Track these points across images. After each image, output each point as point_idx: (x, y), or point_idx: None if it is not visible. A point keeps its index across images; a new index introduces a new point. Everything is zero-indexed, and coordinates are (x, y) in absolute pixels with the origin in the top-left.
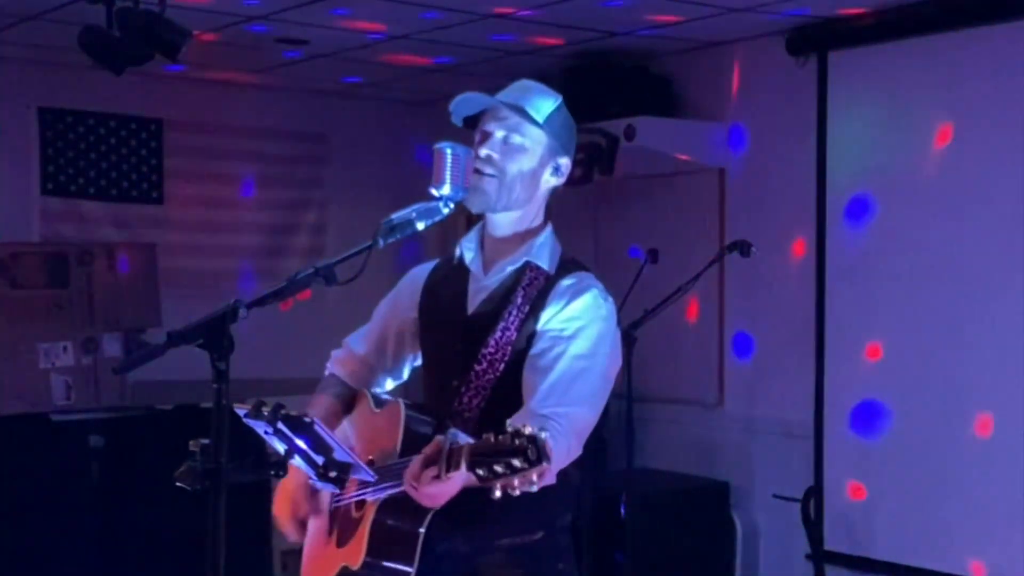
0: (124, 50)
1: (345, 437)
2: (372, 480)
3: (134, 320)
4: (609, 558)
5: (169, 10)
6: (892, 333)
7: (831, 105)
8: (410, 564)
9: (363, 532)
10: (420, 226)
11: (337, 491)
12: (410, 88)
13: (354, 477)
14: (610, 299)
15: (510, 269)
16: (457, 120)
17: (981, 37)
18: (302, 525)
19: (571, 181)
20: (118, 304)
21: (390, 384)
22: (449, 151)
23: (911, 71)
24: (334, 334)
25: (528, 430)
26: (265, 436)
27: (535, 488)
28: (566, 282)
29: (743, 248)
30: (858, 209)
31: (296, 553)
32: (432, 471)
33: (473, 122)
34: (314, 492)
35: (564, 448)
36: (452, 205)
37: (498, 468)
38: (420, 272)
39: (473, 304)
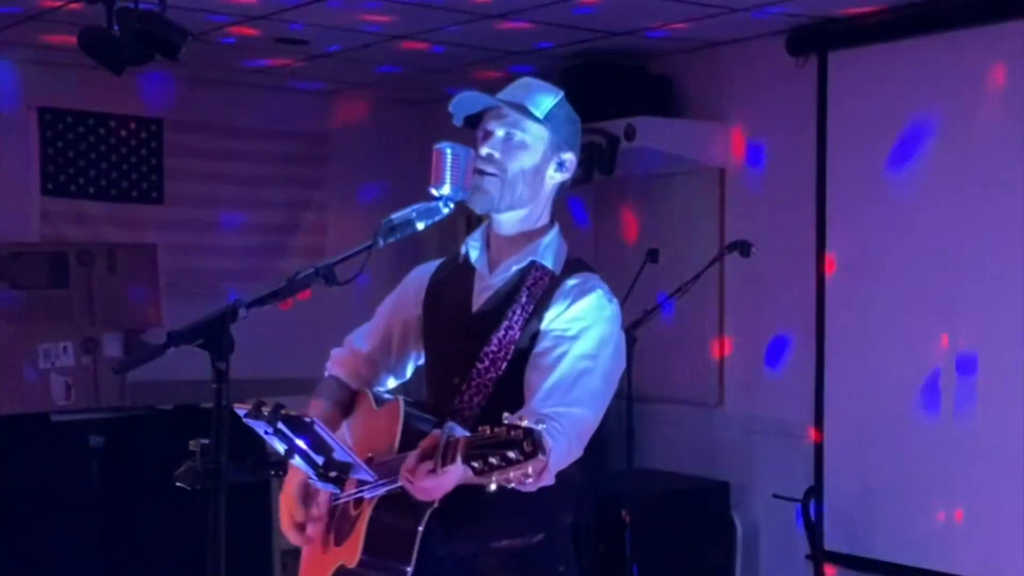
0: (124, 50)
1: (344, 440)
2: (372, 480)
3: (134, 320)
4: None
5: (169, 10)
6: (892, 333)
7: (831, 105)
8: (407, 562)
9: (360, 530)
10: (420, 226)
11: (337, 491)
12: (410, 88)
13: (354, 477)
14: (615, 301)
15: (515, 268)
16: (458, 120)
17: (981, 37)
18: (301, 528)
19: (571, 181)
20: (118, 304)
21: (392, 383)
22: (449, 151)
23: (911, 71)
24: (334, 334)
25: (524, 422)
26: (265, 436)
27: (532, 485)
28: (571, 282)
29: (743, 248)
30: (858, 208)
31: (296, 553)
32: (428, 465)
33: (474, 122)
34: (311, 494)
35: (564, 448)
36: (452, 205)
37: (493, 460)
38: (425, 270)
39: (478, 303)
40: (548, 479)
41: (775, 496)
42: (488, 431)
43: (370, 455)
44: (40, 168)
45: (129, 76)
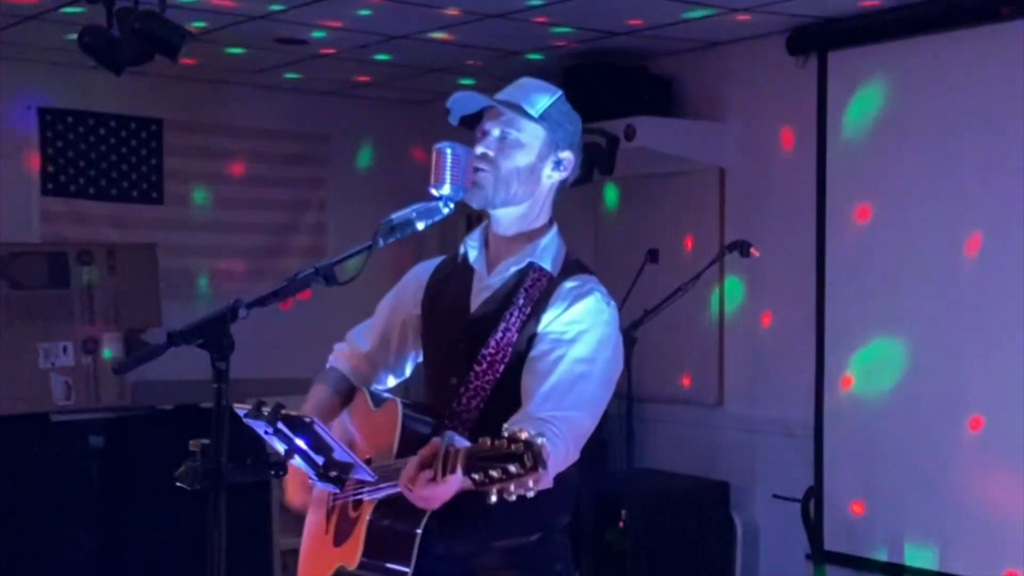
0: (124, 50)
1: (345, 430)
2: (372, 480)
3: (134, 320)
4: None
5: (169, 10)
6: (891, 332)
7: (831, 105)
8: (407, 564)
9: (360, 532)
10: (420, 226)
11: (337, 491)
12: (410, 88)
13: (355, 477)
14: (613, 303)
15: (514, 270)
16: (454, 120)
17: (981, 37)
18: (308, 488)
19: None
20: (118, 304)
21: (392, 381)
22: (449, 151)
23: (911, 71)
24: (334, 334)
25: (524, 435)
26: (265, 436)
27: (531, 494)
28: (568, 285)
29: (743, 248)
30: (858, 208)
31: (296, 553)
32: (428, 474)
33: (472, 122)
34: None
35: (562, 452)
36: (452, 205)
37: (494, 473)
38: (424, 269)
39: (475, 303)
40: (546, 484)
41: (775, 496)
42: (489, 443)
43: (368, 457)
44: (40, 168)
45: (129, 76)
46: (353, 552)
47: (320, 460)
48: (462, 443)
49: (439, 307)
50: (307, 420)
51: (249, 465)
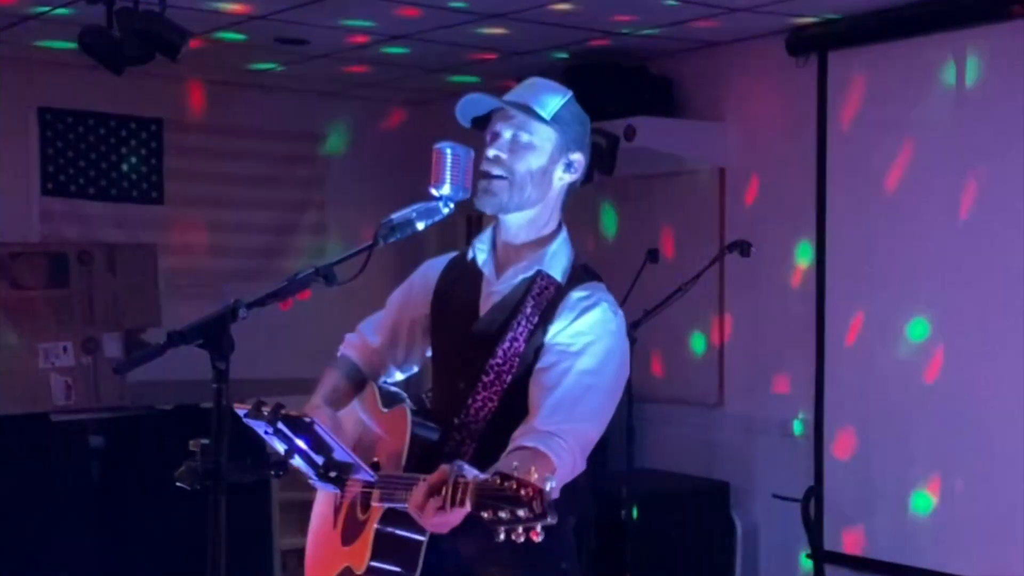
0: (124, 50)
1: (358, 420)
2: (372, 480)
3: (134, 320)
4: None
5: (169, 10)
6: (891, 332)
7: (831, 105)
8: (413, 570)
9: (368, 536)
10: (420, 226)
11: (337, 491)
12: (410, 88)
13: (355, 477)
14: (620, 313)
15: (522, 277)
16: (464, 121)
17: (981, 37)
18: None
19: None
20: (118, 304)
21: (399, 376)
22: (449, 151)
23: (911, 71)
24: (334, 334)
25: (534, 476)
26: (265, 436)
27: (540, 538)
28: (576, 295)
29: (743, 248)
30: (858, 208)
31: (296, 553)
32: (436, 502)
33: (482, 124)
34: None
35: (569, 464)
36: (452, 205)
37: (503, 515)
38: (433, 268)
39: (484, 308)
40: (553, 496)
41: (775, 496)
42: (499, 482)
43: (376, 459)
44: (40, 168)
45: (129, 76)
46: (361, 556)
47: (320, 460)
48: (471, 472)
49: (448, 309)
50: (307, 420)
51: (249, 465)
